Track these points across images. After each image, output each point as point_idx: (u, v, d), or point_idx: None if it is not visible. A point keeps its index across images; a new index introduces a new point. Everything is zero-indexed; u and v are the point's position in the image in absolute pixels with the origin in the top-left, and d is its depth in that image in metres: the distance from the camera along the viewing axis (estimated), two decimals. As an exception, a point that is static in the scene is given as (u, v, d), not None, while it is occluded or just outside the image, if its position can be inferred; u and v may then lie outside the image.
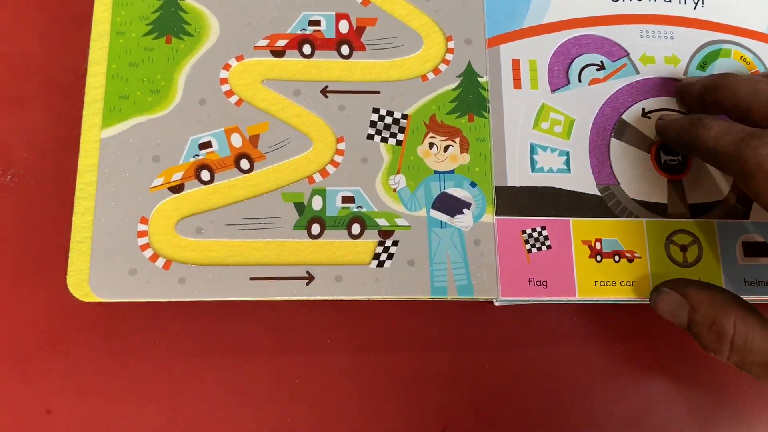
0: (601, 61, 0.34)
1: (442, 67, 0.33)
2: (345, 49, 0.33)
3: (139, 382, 0.32)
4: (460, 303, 0.33)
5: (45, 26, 0.35)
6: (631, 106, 0.34)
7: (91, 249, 0.30)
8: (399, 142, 0.32)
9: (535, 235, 0.31)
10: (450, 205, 0.31)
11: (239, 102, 0.32)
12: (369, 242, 0.31)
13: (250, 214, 0.31)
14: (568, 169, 0.32)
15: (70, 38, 0.35)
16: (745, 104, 0.28)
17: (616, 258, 0.32)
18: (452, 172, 0.32)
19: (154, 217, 0.31)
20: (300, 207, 0.31)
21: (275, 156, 0.32)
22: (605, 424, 0.32)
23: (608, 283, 0.31)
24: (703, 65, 0.34)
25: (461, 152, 0.32)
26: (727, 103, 0.29)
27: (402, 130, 0.32)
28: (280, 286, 0.30)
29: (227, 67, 0.33)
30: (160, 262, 0.30)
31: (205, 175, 0.31)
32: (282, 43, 0.33)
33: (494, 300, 0.31)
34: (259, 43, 0.33)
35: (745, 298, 0.31)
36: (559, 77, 0.34)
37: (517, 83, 0.33)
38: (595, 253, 0.31)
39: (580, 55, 0.34)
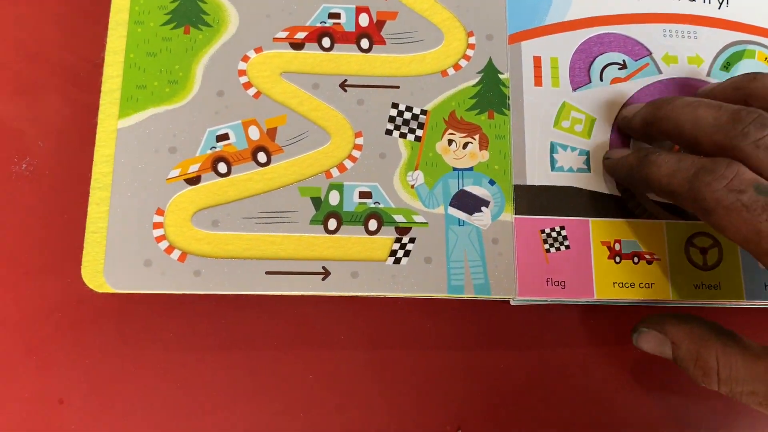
0: (623, 60, 0.34)
1: (463, 62, 0.33)
2: (365, 43, 0.33)
3: (151, 372, 0.31)
4: (475, 301, 0.32)
5: (61, 14, 0.35)
6: (652, 106, 0.33)
7: (106, 239, 0.30)
8: (418, 138, 0.32)
9: (554, 234, 0.31)
10: (468, 203, 0.31)
11: (257, 94, 0.32)
12: (386, 239, 0.31)
13: (267, 208, 0.31)
14: (588, 169, 0.32)
15: (87, 27, 0.35)
16: (690, 135, 0.27)
17: (635, 259, 0.31)
18: (471, 169, 0.31)
19: (170, 209, 0.30)
20: (317, 202, 0.31)
21: (293, 150, 0.31)
22: (622, 427, 0.31)
23: (627, 285, 0.31)
24: (726, 66, 0.34)
25: (480, 149, 0.32)
26: (672, 134, 0.28)
27: (421, 125, 0.32)
28: (296, 281, 0.30)
29: (246, 58, 0.32)
30: (176, 254, 0.30)
31: (222, 167, 0.31)
32: (301, 35, 0.33)
33: (511, 300, 0.31)
34: (278, 35, 0.33)
35: (765, 302, 0.31)
36: (581, 75, 0.33)
37: (538, 81, 0.33)
38: (614, 254, 0.31)
39: (602, 54, 0.34)
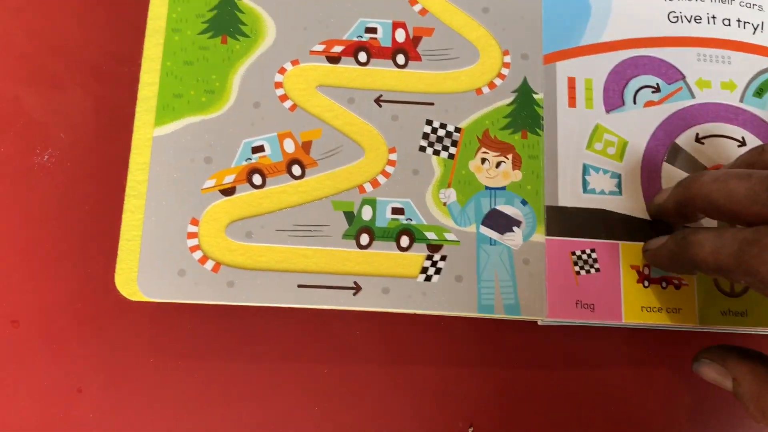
0: (657, 84, 0.34)
1: (498, 81, 0.33)
2: (401, 59, 0.33)
3: (169, 364, 0.32)
4: (499, 319, 0.33)
5: (84, 9, 0.35)
6: (685, 130, 0.33)
7: (141, 248, 0.30)
8: (451, 156, 0.32)
9: (584, 257, 0.31)
10: (500, 222, 0.31)
11: (293, 107, 0.32)
12: (417, 255, 0.31)
13: (300, 221, 0.31)
14: (620, 192, 0.32)
15: (109, 21, 0.35)
16: (727, 210, 0.26)
17: (664, 284, 0.31)
18: (504, 188, 0.32)
19: (205, 219, 0.31)
20: (350, 216, 0.31)
21: (327, 163, 0.32)
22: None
23: (654, 309, 0.31)
24: (759, 92, 0.34)
25: (513, 169, 0.32)
26: (709, 211, 0.28)
27: (455, 143, 0.32)
28: (328, 295, 0.30)
29: (282, 70, 0.32)
30: (209, 264, 0.30)
31: (257, 179, 0.31)
32: (338, 49, 0.33)
33: (539, 320, 0.31)
34: (315, 48, 0.33)
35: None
36: (615, 98, 0.33)
37: (572, 101, 0.33)
38: (643, 278, 0.31)
39: (636, 76, 0.34)
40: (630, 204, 0.32)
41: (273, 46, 0.33)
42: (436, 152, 0.32)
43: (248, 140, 0.32)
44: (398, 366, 0.32)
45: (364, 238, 0.31)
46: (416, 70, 0.33)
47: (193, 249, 0.30)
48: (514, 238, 0.31)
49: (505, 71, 0.33)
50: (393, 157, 0.32)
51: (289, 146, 0.32)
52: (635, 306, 0.31)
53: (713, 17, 0.35)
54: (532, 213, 0.31)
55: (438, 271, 0.31)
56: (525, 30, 0.33)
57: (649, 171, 0.33)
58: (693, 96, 0.34)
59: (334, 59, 0.33)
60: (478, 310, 0.30)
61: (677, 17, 0.35)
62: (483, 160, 0.32)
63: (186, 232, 0.30)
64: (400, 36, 0.33)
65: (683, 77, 0.34)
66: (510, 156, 0.32)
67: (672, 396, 0.32)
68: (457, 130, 0.32)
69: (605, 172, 0.32)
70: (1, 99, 0.34)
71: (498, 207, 0.31)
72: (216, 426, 0.31)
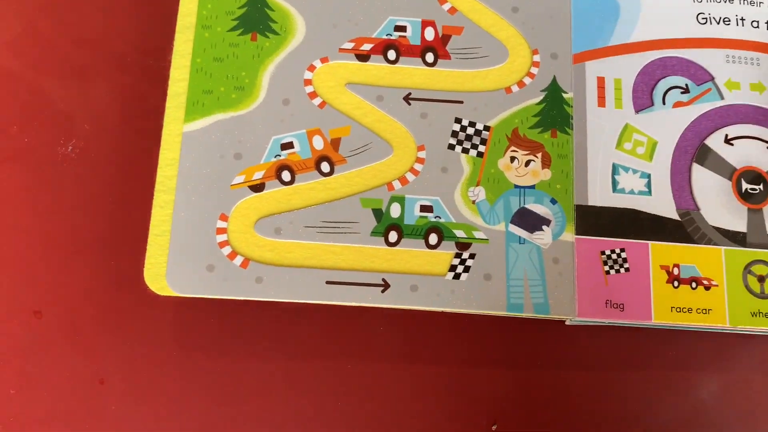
0: (686, 84, 0.34)
1: (527, 80, 0.33)
2: (430, 57, 0.33)
3: (192, 356, 0.32)
4: (522, 318, 0.32)
5: (112, 1, 0.36)
6: (714, 131, 0.33)
7: (170, 243, 0.30)
8: (480, 154, 0.32)
9: (614, 256, 0.31)
10: (529, 221, 0.31)
11: (322, 104, 0.32)
12: (446, 253, 0.31)
13: (329, 218, 0.31)
14: (649, 192, 0.32)
15: (136, 13, 0.36)
16: None
17: (693, 285, 0.31)
18: (533, 187, 0.32)
19: (234, 215, 0.31)
20: (378, 213, 0.31)
21: (356, 160, 0.32)
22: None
23: (684, 310, 0.31)
24: (789, 94, 0.34)
25: (543, 168, 0.32)
26: None
27: (483, 141, 0.32)
28: (356, 292, 0.30)
29: (312, 68, 0.32)
30: (238, 260, 0.30)
31: (286, 175, 0.31)
32: (367, 47, 0.33)
33: (567, 320, 0.31)
34: (344, 46, 0.33)
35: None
36: (644, 98, 0.33)
37: (601, 101, 0.33)
38: (673, 279, 0.31)
39: (665, 77, 0.34)
40: (659, 204, 0.32)
41: (302, 44, 0.33)
42: (465, 150, 0.32)
43: (277, 137, 0.32)
44: (420, 364, 0.32)
45: (393, 236, 0.31)
46: (445, 69, 0.33)
47: (222, 244, 0.30)
48: (543, 237, 0.31)
49: (534, 70, 0.33)
50: (422, 154, 0.32)
51: (318, 143, 0.32)
52: (665, 306, 0.31)
53: (742, 19, 0.35)
54: (561, 212, 0.31)
55: (467, 270, 0.30)
56: (554, 29, 0.33)
57: (678, 171, 0.33)
58: (722, 97, 0.34)
59: (363, 57, 0.33)
60: (507, 309, 0.30)
61: (706, 18, 0.34)
62: (512, 159, 0.32)
63: (215, 228, 0.30)
64: (430, 34, 0.33)
65: (712, 78, 0.34)
66: (539, 155, 0.32)
67: (695, 398, 0.32)
68: (486, 128, 0.32)
69: (635, 171, 0.32)
70: (27, 90, 0.35)
71: (527, 205, 0.31)
72: (237, 418, 0.31)
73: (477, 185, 0.31)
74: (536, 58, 0.33)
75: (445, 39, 0.33)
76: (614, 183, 0.32)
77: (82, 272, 0.32)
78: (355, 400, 0.31)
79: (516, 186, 0.32)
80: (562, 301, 0.30)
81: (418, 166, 0.32)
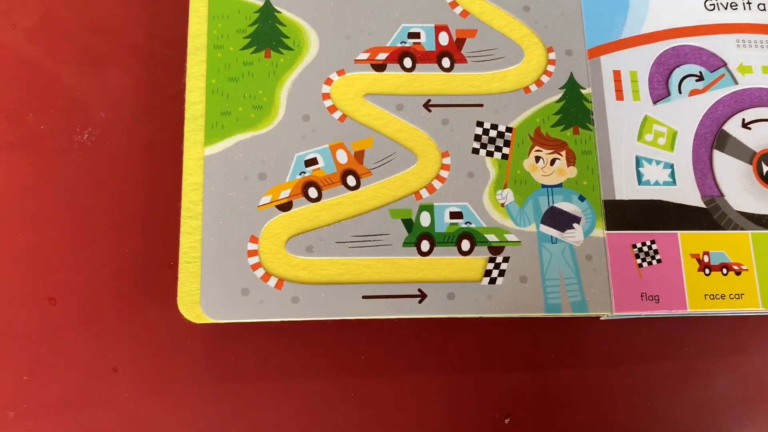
0: (700, 72, 0.34)
1: (544, 78, 0.33)
2: (446, 62, 0.33)
3: (207, 344, 0.31)
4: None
5: None
6: (731, 116, 0.33)
7: (201, 269, 0.30)
8: (505, 156, 0.32)
9: (645, 249, 0.31)
10: (560, 220, 0.31)
11: (342, 117, 0.32)
12: (479, 259, 0.31)
13: (359, 232, 0.31)
14: (674, 182, 0.32)
15: (153, 2, 0.35)
16: None
17: (724, 271, 0.31)
18: (560, 185, 0.32)
19: (264, 236, 0.30)
20: (408, 223, 0.31)
21: (381, 172, 0.31)
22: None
23: (717, 296, 0.31)
24: (800, 74, 0.34)
25: (568, 165, 0.32)
26: None
27: (507, 143, 0.32)
28: (393, 305, 0.30)
29: (329, 81, 0.32)
30: (272, 281, 0.30)
31: (313, 192, 0.31)
32: (382, 56, 0.33)
33: (604, 315, 0.31)
34: (359, 57, 0.32)
35: None
36: (660, 88, 0.33)
37: (619, 95, 0.33)
38: (704, 267, 0.31)
39: (678, 66, 0.34)
40: (684, 193, 0.32)
41: (317, 58, 0.32)
42: (490, 153, 0.32)
43: (300, 154, 0.31)
44: (435, 369, 0.32)
45: (425, 245, 0.31)
46: (463, 72, 0.33)
47: (255, 267, 0.30)
48: (575, 235, 0.31)
49: (551, 68, 0.33)
50: (446, 161, 0.32)
51: (342, 157, 0.31)
52: (698, 294, 0.31)
53: (748, 3, 0.35)
54: (590, 208, 0.31)
55: (502, 273, 0.30)
56: (567, 26, 0.33)
57: (700, 159, 0.33)
58: (736, 82, 0.34)
59: (379, 67, 0.32)
60: (546, 310, 0.30)
61: (713, 5, 0.35)
62: (537, 158, 0.32)
63: (246, 250, 0.30)
64: (444, 39, 0.33)
65: (725, 64, 0.34)
66: (564, 152, 0.32)
67: (715, 390, 0.32)
68: (509, 129, 0.32)
69: (658, 162, 0.32)
70: (44, 77, 0.34)
71: (556, 204, 0.31)
72: (248, 406, 0.31)
73: (504, 188, 0.31)
74: (552, 55, 0.33)
75: (459, 43, 0.33)
76: (639, 175, 0.32)
77: (96, 260, 0.32)
78: (372, 412, 0.31)
79: (543, 186, 0.32)
80: (598, 298, 0.30)
81: (443, 173, 0.31)
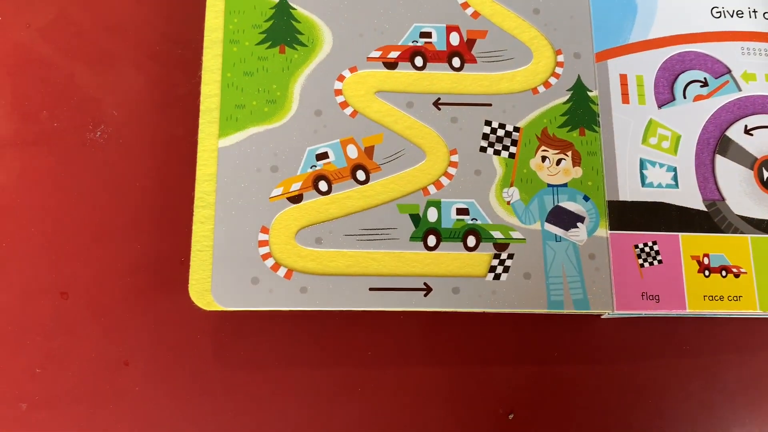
0: (705, 78, 0.34)
1: (552, 80, 0.33)
2: (456, 62, 0.33)
3: (217, 338, 0.32)
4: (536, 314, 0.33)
5: None
6: (734, 123, 0.34)
7: (213, 258, 0.30)
8: (512, 155, 0.32)
9: (647, 249, 0.32)
10: (564, 219, 0.32)
11: (354, 113, 0.32)
12: (485, 255, 0.31)
13: (367, 225, 0.31)
14: (676, 185, 0.33)
15: (167, 2, 0.36)
16: None
17: (723, 273, 0.32)
18: (565, 185, 0.32)
19: (275, 227, 0.31)
20: (415, 218, 0.32)
21: (390, 167, 0.32)
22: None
23: (716, 298, 0.32)
24: (803, 83, 0.35)
25: (573, 166, 0.32)
26: None
27: (514, 142, 0.33)
28: (399, 297, 0.31)
29: (341, 78, 0.33)
30: (282, 271, 0.30)
31: (323, 185, 0.32)
32: (394, 54, 0.33)
33: (605, 314, 0.32)
34: (371, 55, 0.33)
35: None
36: (665, 93, 0.34)
37: (625, 98, 0.34)
38: (704, 268, 0.32)
39: (684, 72, 0.34)
40: (686, 196, 0.33)
41: (330, 54, 0.33)
42: (497, 152, 0.32)
43: (312, 148, 0.32)
44: (440, 363, 0.33)
45: (432, 240, 0.31)
46: (472, 72, 0.33)
47: (265, 257, 0.31)
48: (578, 234, 0.32)
49: (559, 70, 0.33)
50: (454, 158, 0.32)
51: (353, 152, 0.32)
52: (698, 295, 0.32)
53: (754, 11, 0.36)
54: (594, 208, 0.32)
55: (506, 270, 0.31)
56: (575, 29, 0.34)
57: (702, 163, 0.33)
58: (739, 89, 0.34)
59: (391, 65, 0.33)
60: (548, 307, 0.31)
61: (720, 12, 0.35)
62: (543, 158, 0.32)
63: (257, 241, 0.31)
64: (455, 39, 0.34)
65: (729, 71, 0.35)
66: (569, 153, 0.33)
67: (716, 388, 0.33)
68: (516, 129, 0.33)
69: (661, 165, 0.33)
70: (57, 75, 0.35)
71: (561, 203, 0.32)
72: (261, 399, 0.32)
73: (511, 186, 0.32)
74: (560, 58, 0.34)
75: (470, 43, 0.34)
76: (642, 177, 0.33)
77: (108, 255, 0.33)
78: (374, 403, 0.32)
79: (549, 185, 0.32)
80: (600, 296, 0.31)
81: (451, 170, 0.32)
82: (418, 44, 0.33)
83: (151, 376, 0.32)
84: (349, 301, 0.30)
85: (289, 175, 0.32)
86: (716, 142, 0.34)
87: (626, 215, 0.32)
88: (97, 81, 0.35)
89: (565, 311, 0.31)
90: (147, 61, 0.35)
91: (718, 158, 0.34)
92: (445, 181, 0.32)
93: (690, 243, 0.32)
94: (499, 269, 0.31)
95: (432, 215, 0.32)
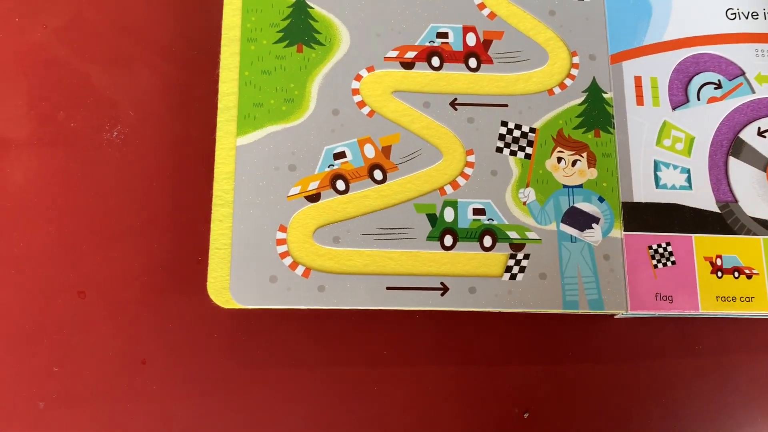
0: (719, 80, 0.35)
1: (568, 81, 0.34)
2: (473, 62, 0.34)
3: (234, 337, 0.32)
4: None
5: None
6: (747, 125, 0.34)
7: (231, 256, 0.31)
8: (528, 156, 0.33)
9: (661, 250, 0.32)
10: (579, 220, 0.32)
11: (371, 113, 0.33)
12: (501, 255, 0.32)
13: (385, 225, 0.32)
14: (690, 186, 0.33)
15: (182, 3, 0.36)
16: None
17: (736, 274, 0.32)
18: (580, 186, 0.32)
19: (293, 226, 0.31)
20: (432, 218, 0.32)
21: (407, 167, 0.32)
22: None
23: (729, 299, 0.32)
24: (815, 86, 0.35)
25: (589, 167, 0.33)
26: None
27: (530, 143, 0.33)
28: (416, 297, 0.31)
29: (359, 77, 0.33)
30: (300, 270, 0.31)
31: (341, 184, 0.32)
32: (411, 54, 0.33)
33: (619, 314, 0.32)
34: (389, 54, 0.33)
35: None
36: (679, 95, 0.34)
37: (639, 100, 0.34)
38: (716, 269, 0.32)
39: (698, 74, 0.35)
40: (700, 198, 0.33)
41: (348, 54, 0.33)
42: (513, 153, 0.33)
43: (329, 147, 0.32)
44: (455, 362, 0.33)
45: (448, 239, 0.32)
46: (489, 73, 0.33)
47: (283, 255, 0.31)
48: (593, 235, 0.32)
49: (574, 72, 0.34)
50: (471, 159, 0.32)
51: (370, 151, 0.32)
52: (710, 296, 0.32)
53: (768, 13, 0.36)
54: (609, 209, 0.32)
55: (522, 270, 0.31)
56: (591, 31, 0.34)
57: (716, 165, 0.34)
58: (753, 91, 0.35)
59: (408, 65, 0.33)
60: (563, 307, 0.31)
61: (735, 14, 0.36)
62: (559, 159, 0.33)
63: (275, 239, 0.31)
64: (471, 40, 0.34)
65: (743, 73, 0.35)
66: (585, 154, 0.33)
67: (728, 387, 0.34)
68: (532, 130, 0.33)
69: (675, 167, 0.33)
70: (73, 76, 0.35)
71: (576, 204, 0.32)
72: (278, 398, 0.32)
73: (527, 186, 0.32)
74: (575, 59, 0.34)
75: (486, 44, 0.34)
76: (657, 179, 0.33)
77: (125, 254, 0.33)
78: (389, 403, 0.32)
79: (564, 186, 0.32)
80: (614, 297, 0.31)
81: (468, 170, 0.32)
82: (435, 44, 0.34)
83: (168, 375, 0.32)
84: (367, 300, 0.31)
85: (307, 174, 0.32)
86: (729, 144, 0.34)
87: (640, 216, 0.33)
88: (114, 81, 0.35)
89: (580, 311, 0.31)
90: (163, 61, 0.36)
91: (732, 160, 0.34)
92: (461, 181, 0.32)
93: (703, 244, 0.33)
94: (515, 269, 0.31)
95: (449, 215, 0.32)
